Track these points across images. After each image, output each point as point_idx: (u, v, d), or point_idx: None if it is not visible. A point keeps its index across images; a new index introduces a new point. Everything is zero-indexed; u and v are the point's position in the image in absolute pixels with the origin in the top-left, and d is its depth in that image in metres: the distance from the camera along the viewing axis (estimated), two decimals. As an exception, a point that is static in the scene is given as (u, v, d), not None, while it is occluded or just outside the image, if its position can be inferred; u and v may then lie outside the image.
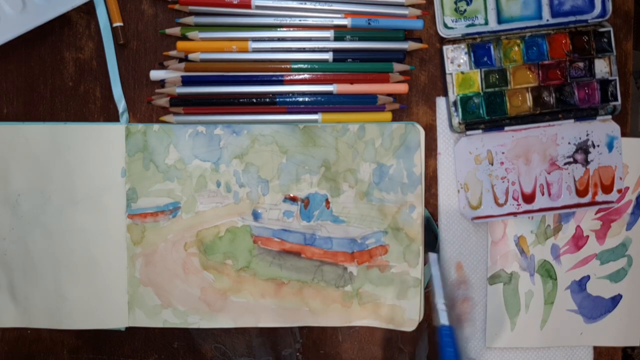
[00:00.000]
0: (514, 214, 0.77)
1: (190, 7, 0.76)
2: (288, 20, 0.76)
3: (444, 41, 0.77)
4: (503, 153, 0.77)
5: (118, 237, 0.78)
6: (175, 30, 0.76)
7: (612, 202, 0.78)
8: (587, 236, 0.79)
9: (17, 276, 0.78)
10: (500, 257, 0.79)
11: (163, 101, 0.77)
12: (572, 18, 0.76)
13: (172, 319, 0.78)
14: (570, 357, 0.81)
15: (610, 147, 0.77)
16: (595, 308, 0.80)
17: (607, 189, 0.78)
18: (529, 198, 0.77)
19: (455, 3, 0.76)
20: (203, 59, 0.76)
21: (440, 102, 0.79)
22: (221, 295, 0.78)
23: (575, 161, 0.77)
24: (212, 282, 0.78)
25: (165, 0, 0.78)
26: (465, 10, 0.76)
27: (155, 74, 0.77)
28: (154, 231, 0.78)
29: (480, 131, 0.77)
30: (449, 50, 0.77)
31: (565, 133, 0.77)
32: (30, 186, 0.78)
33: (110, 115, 0.79)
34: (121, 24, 0.78)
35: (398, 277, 0.78)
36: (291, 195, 0.78)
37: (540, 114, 0.77)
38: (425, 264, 0.79)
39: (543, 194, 0.78)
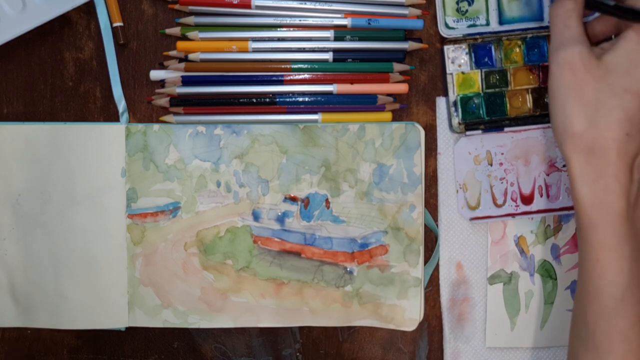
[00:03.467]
0: (512, 215, 0.77)
1: (190, 7, 0.76)
2: (288, 20, 0.76)
3: (444, 41, 0.77)
4: (502, 154, 0.77)
5: (118, 237, 0.78)
6: (175, 30, 0.76)
7: (611, 204, 0.78)
8: (587, 236, 0.79)
9: (17, 276, 0.78)
10: (500, 257, 0.79)
11: (163, 101, 0.77)
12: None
13: (172, 319, 0.79)
14: (570, 357, 0.81)
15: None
16: (595, 308, 0.80)
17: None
18: (527, 199, 0.77)
19: (457, 3, 0.76)
20: (203, 59, 0.76)
21: (440, 102, 0.79)
22: (221, 295, 0.78)
23: (575, 163, 0.77)
24: (212, 282, 0.78)
25: (165, 0, 0.78)
26: (466, 11, 0.76)
27: (155, 74, 0.77)
28: (154, 231, 0.78)
29: (479, 132, 0.77)
30: (449, 50, 0.77)
31: (565, 135, 0.77)
32: (30, 186, 0.78)
33: (110, 115, 0.79)
34: (121, 24, 0.78)
35: (398, 277, 0.78)
36: (291, 195, 0.78)
37: (540, 116, 0.77)
38: (425, 264, 0.79)
39: (542, 196, 0.78)
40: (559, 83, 0.64)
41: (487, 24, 0.76)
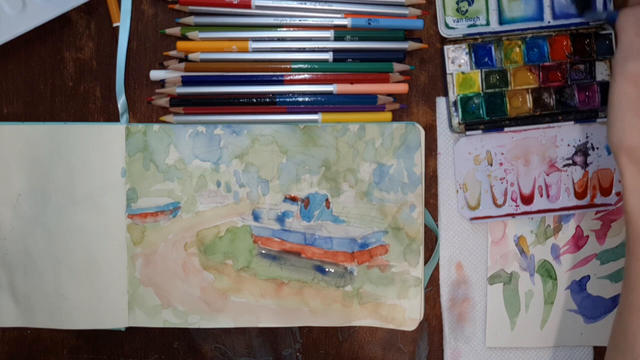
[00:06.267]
0: (512, 215, 0.77)
1: (190, 7, 0.75)
2: (288, 20, 0.76)
3: (445, 41, 0.77)
4: (502, 154, 0.77)
5: (118, 237, 0.78)
6: (175, 30, 0.76)
7: (610, 204, 0.78)
8: (587, 236, 0.79)
9: (17, 276, 0.78)
10: (500, 257, 0.79)
11: (163, 101, 0.77)
12: (573, 20, 0.76)
13: (172, 319, 0.79)
14: (570, 357, 0.81)
15: (609, 149, 0.77)
16: (595, 308, 0.80)
17: (606, 192, 0.78)
18: (527, 199, 0.77)
19: (457, 3, 0.76)
20: (203, 59, 0.76)
21: (440, 102, 0.79)
22: (221, 295, 0.78)
23: (575, 163, 0.77)
24: (212, 282, 0.78)
25: (165, 0, 0.78)
26: (466, 11, 0.76)
27: (155, 74, 0.77)
28: (154, 231, 0.78)
29: (479, 132, 0.77)
30: (449, 50, 0.77)
31: (564, 135, 0.77)
32: (30, 186, 0.78)
33: (110, 115, 0.79)
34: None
35: (398, 277, 0.78)
36: (291, 195, 0.78)
37: (540, 116, 0.77)
38: (425, 264, 0.79)
39: (542, 196, 0.78)
40: (621, 95, 0.62)
41: (487, 24, 0.76)
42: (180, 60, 0.77)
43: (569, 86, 0.76)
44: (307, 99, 0.77)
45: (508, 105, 0.76)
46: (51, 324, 0.79)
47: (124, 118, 0.78)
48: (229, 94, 0.77)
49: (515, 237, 0.79)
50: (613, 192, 0.78)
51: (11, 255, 0.78)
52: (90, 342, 0.81)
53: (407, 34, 0.78)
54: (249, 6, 0.75)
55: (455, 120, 0.77)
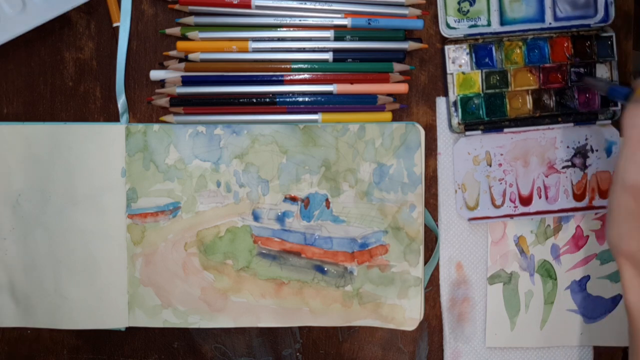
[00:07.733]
0: (511, 216, 0.77)
1: (190, 7, 0.75)
2: (288, 20, 0.76)
3: (445, 41, 0.77)
4: (501, 155, 0.77)
5: (118, 237, 0.78)
6: (175, 30, 0.76)
7: (608, 207, 0.78)
8: (587, 236, 0.79)
9: (17, 276, 0.79)
10: (500, 257, 0.79)
11: (163, 101, 0.77)
12: (574, 22, 0.76)
13: (172, 319, 0.79)
14: (570, 357, 0.81)
15: (608, 152, 0.77)
16: (595, 308, 0.80)
17: (605, 194, 0.77)
18: (526, 200, 0.77)
19: (459, 3, 0.76)
20: (203, 59, 0.76)
21: (441, 102, 0.79)
22: (221, 295, 0.79)
23: (574, 165, 0.77)
24: (212, 282, 0.78)
25: (165, 0, 0.78)
26: (468, 11, 0.76)
27: (155, 74, 0.77)
28: (154, 231, 0.78)
29: (479, 132, 0.77)
30: (450, 50, 0.77)
31: (564, 137, 0.77)
32: (30, 186, 0.78)
33: (110, 115, 0.79)
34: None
35: (398, 277, 0.78)
36: (291, 195, 0.78)
37: (540, 117, 0.77)
38: (425, 264, 0.79)
39: (540, 197, 0.77)
40: (620, 205, 0.60)
41: (489, 24, 0.76)
42: (180, 60, 0.77)
43: (569, 88, 0.76)
44: (307, 99, 0.77)
45: (508, 106, 0.76)
46: (51, 324, 0.79)
47: (124, 118, 0.78)
48: (229, 94, 0.77)
49: (515, 237, 0.79)
50: (612, 194, 0.78)
51: (11, 255, 0.78)
52: (90, 342, 0.81)
53: (407, 34, 0.77)
54: (249, 6, 0.75)
55: (455, 121, 0.77)
